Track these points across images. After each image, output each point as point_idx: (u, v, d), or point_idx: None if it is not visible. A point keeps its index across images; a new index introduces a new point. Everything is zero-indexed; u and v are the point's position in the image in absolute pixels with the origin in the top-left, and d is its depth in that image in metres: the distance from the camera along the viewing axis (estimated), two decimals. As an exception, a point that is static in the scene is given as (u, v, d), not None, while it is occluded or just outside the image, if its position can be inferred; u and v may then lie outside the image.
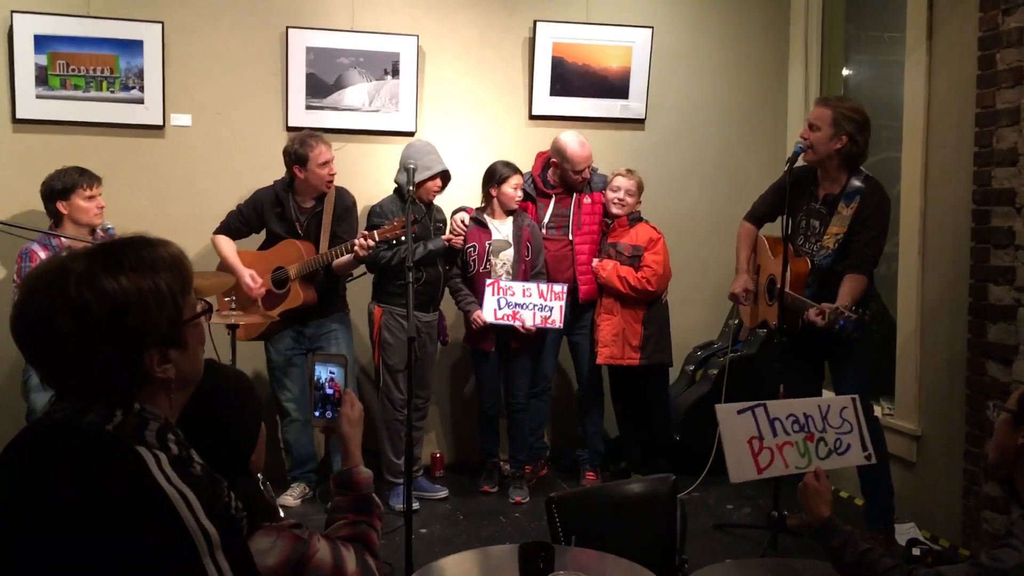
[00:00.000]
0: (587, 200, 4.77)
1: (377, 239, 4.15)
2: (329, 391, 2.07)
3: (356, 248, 4.16)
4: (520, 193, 4.60)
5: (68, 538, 1.21)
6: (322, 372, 2.08)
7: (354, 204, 4.56)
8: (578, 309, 4.78)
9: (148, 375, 1.33)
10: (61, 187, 4.10)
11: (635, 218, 4.78)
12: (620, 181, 4.73)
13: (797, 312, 3.78)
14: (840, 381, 3.96)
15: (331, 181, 4.42)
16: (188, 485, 1.26)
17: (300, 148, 4.33)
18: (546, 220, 4.76)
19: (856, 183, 3.81)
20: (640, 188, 4.76)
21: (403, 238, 4.13)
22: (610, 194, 4.75)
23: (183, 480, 1.27)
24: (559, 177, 4.74)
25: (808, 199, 3.97)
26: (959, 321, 3.94)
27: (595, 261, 4.74)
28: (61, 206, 4.11)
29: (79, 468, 1.25)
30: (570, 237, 4.75)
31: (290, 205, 4.44)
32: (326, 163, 4.36)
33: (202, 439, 1.41)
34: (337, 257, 4.30)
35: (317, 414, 2.07)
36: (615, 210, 4.74)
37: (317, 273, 4.40)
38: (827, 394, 4.36)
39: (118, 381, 1.32)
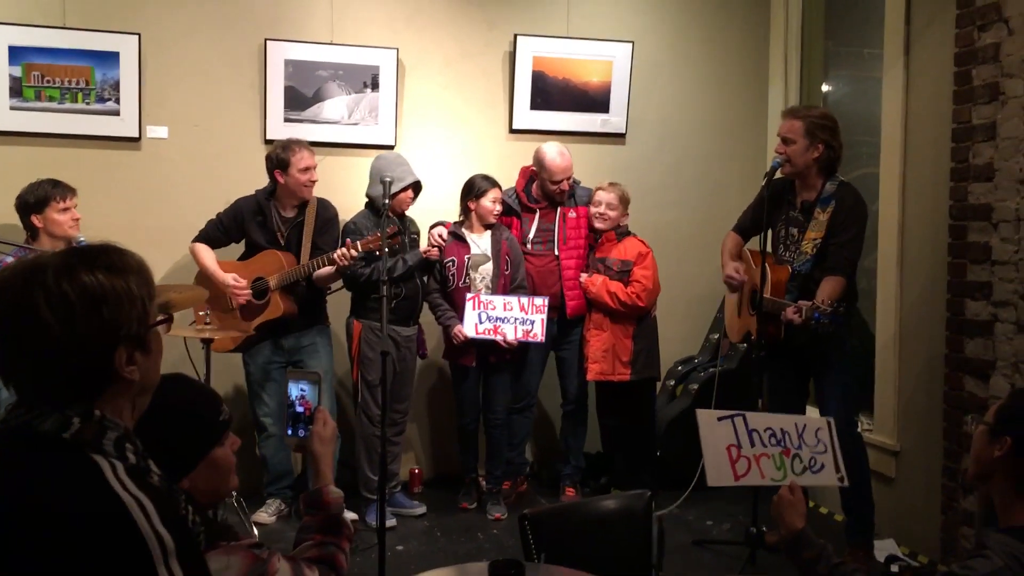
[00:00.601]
0: (572, 214, 4.75)
1: (360, 250, 4.13)
2: (300, 409, 2.04)
3: (337, 257, 4.13)
4: (498, 207, 4.57)
5: (23, 545, 1.20)
6: (294, 389, 2.04)
7: (336, 216, 4.54)
8: (565, 325, 4.75)
9: (115, 374, 1.34)
10: (34, 200, 4.06)
11: (623, 232, 4.75)
12: (601, 195, 4.71)
13: (778, 316, 3.77)
14: (823, 395, 3.96)
15: (310, 187, 4.40)
16: (144, 493, 1.26)
17: (282, 152, 4.33)
18: (531, 235, 4.73)
19: (831, 188, 3.83)
20: (624, 201, 4.72)
21: (381, 251, 4.12)
22: (592, 209, 4.73)
23: (139, 488, 1.26)
24: (541, 190, 4.72)
25: (787, 208, 3.99)
26: (937, 336, 3.94)
27: (583, 276, 4.71)
28: (36, 219, 4.08)
29: (34, 476, 1.25)
30: (556, 252, 4.72)
31: (272, 214, 4.42)
32: (307, 168, 4.35)
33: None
34: (318, 268, 4.27)
35: (289, 432, 2.03)
36: (598, 224, 4.71)
37: (298, 284, 4.37)
38: (811, 411, 4.35)
39: (87, 378, 1.32)
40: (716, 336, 5.32)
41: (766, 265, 3.83)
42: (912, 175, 4.19)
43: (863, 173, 4.86)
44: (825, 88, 5.37)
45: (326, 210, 4.50)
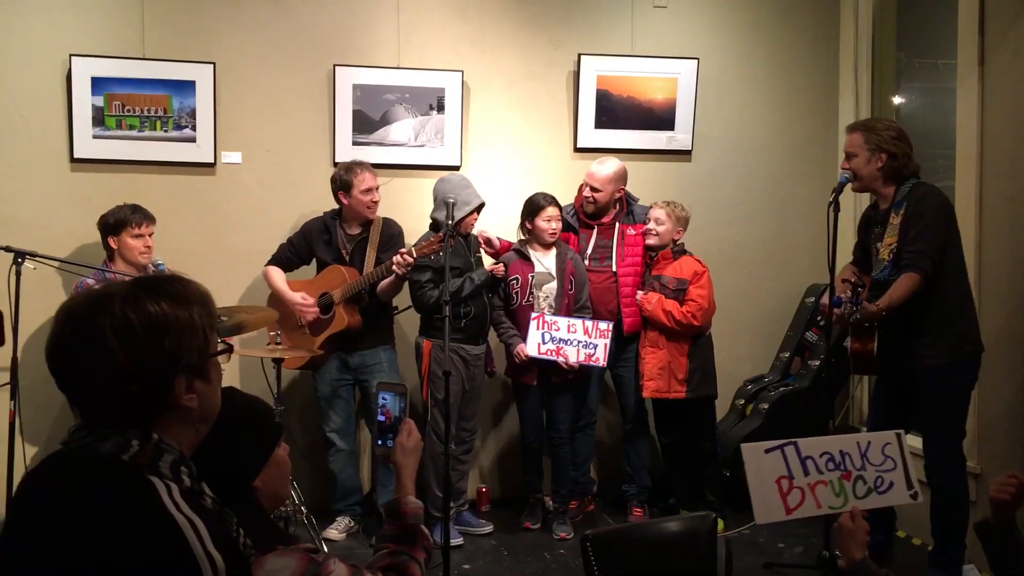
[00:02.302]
0: (631, 231, 4.74)
1: (415, 255, 4.18)
2: (381, 418, 2.07)
3: (394, 267, 4.19)
4: (555, 225, 4.57)
5: (82, 564, 1.26)
6: (379, 400, 2.09)
7: (400, 233, 4.62)
8: (622, 341, 4.73)
9: (174, 402, 1.39)
10: (113, 222, 4.26)
11: (679, 250, 4.70)
12: (653, 211, 4.70)
13: (866, 333, 3.67)
14: (923, 424, 3.82)
15: (373, 208, 4.50)
16: (197, 515, 1.30)
17: (345, 175, 4.47)
18: (588, 251, 4.74)
19: (904, 190, 3.69)
20: (678, 220, 4.66)
21: (435, 267, 4.17)
22: (646, 226, 4.72)
23: (193, 510, 1.31)
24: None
25: (875, 225, 3.86)
26: (1018, 356, 3.81)
27: (639, 294, 4.69)
28: (112, 241, 4.28)
29: (93, 497, 1.30)
30: (614, 268, 4.72)
31: (337, 233, 4.54)
32: (369, 190, 4.45)
33: (201, 458, 1.44)
34: (378, 278, 4.34)
35: (379, 442, 2.07)
36: (648, 241, 4.69)
37: (362, 297, 4.44)
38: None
39: (147, 404, 1.37)
40: (786, 355, 5.23)
41: (833, 283, 3.74)
42: (989, 189, 4.06)
43: (940, 187, 4.72)
44: (897, 101, 5.25)
45: (390, 227, 4.59)
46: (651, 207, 4.74)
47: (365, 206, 4.47)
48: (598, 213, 4.74)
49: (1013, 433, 3.86)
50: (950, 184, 4.41)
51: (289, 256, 4.62)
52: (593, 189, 4.67)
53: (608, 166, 4.68)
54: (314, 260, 4.66)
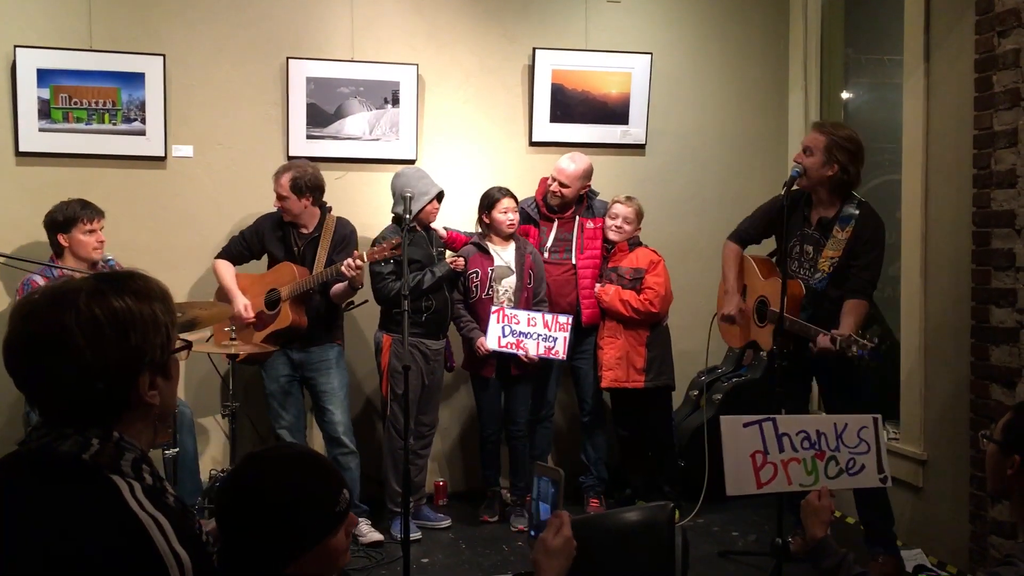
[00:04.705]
0: (590, 224, 4.79)
1: (366, 260, 4.15)
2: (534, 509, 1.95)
3: (344, 269, 4.16)
4: (511, 216, 4.59)
5: (44, 567, 1.24)
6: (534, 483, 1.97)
7: (353, 233, 4.56)
8: (581, 333, 4.77)
9: (137, 399, 1.37)
10: (63, 219, 4.17)
11: (635, 242, 4.80)
12: (618, 208, 4.75)
13: (798, 336, 3.77)
14: (832, 403, 3.96)
15: (286, 214, 4.42)
16: (161, 512, 1.30)
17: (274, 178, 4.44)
18: (549, 244, 4.77)
19: (851, 209, 3.83)
20: (639, 215, 4.78)
21: (396, 259, 4.14)
22: (608, 220, 4.77)
23: (156, 508, 1.30)
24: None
25: (801, 223, 3.97)
26: (962, 344, 3.91)
27: (597, 286, 4.75)
28: (62, 239, 4.18)
29: (54, 497, 1.29)
30: (573, 261, 4.76)
31: (290, 230, 4.48)
32: (277, 197, 4.39)
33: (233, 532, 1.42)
34: (327, 279, 4.30)
35: (532, 533, 1.96)
36: (613, 236, 4.76)
37: (311, 297, 4.40)
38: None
39: (111, 401, 1.35)
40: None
41: (785, 277, 3.82)
42: (934, 182, 4.17)
43: (885, 180, 4.84)
44: (845, 96, 5.35)
45: (343, 227, 4.53)
46: (612, 203, 4.78)
47: (282, 211, 4.42)
48: (561, 207, 4.76)
49: (957, 420, 3.96)
50: (896, 177, 4.51)
51: (240, 250, 4.55)
52: (562, 185, 4.68)
53: (578, 163, 4.70)
54: (265, 255, 4.60)
